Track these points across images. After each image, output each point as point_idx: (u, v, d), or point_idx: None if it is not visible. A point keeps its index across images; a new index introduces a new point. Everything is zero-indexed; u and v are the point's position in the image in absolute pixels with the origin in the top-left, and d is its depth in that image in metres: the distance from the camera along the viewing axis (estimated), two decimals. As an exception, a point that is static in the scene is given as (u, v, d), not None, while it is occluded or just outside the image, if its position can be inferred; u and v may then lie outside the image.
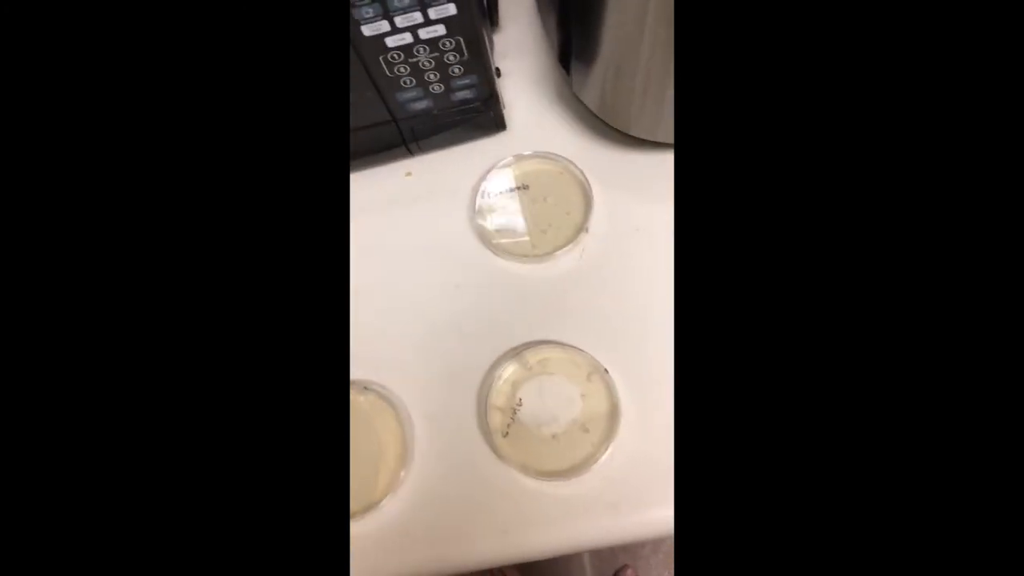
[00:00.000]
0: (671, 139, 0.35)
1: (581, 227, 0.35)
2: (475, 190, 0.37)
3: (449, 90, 0.32)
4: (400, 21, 0.26)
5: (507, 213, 0.36)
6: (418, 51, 0.29)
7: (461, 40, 0.29)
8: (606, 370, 0.31)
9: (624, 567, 0.93)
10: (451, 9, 0.26)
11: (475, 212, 0.36)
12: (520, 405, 0.31)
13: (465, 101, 0.33)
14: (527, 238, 0.35)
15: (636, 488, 0.29)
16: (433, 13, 0.26)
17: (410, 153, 0.37)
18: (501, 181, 0.37)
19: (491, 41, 0.36)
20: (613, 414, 0.30)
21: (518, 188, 0.37)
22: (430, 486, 0.31)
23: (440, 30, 0.27)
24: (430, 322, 0.34)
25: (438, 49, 0.29)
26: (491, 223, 0.36)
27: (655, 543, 0.99)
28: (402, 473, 0.30)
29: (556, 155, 0.37)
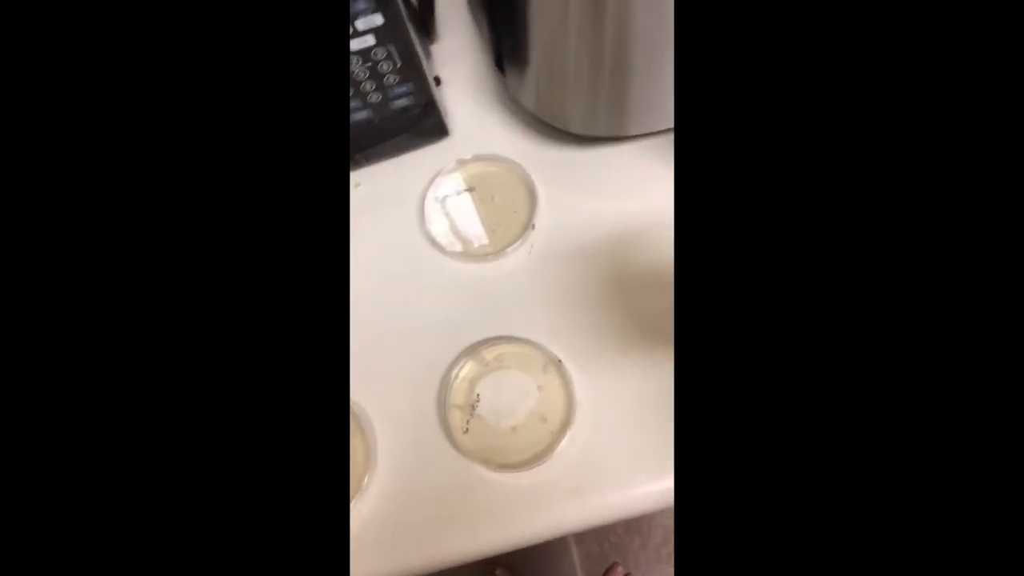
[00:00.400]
0: (608, 132, 0.36)
1: (528, 224, 0.36)
2: (424, 195, 0.37)
3: (387, 99, 0.33)
4: (330, 33, 0.27)
5: (457, 215, 0.37)
6: (351, 62, 0.29)
7: (393, 49, 0.29)
8: (560, 360, 0.32)
9: (614, 565, 0.94)
10: (378, 19, 0.27)
11: (425, 217, 0.37)
12: (478, 401, 0.32)
13: (405, 109, 0.34)
14: (478, 238, 0.36)
15: (595, 472, 0.30)
16: (360, 24, 0.27)
17: (356, 164, 0.38)
18: (449, 185, 0.38)
19: (427, 50, 0.37)
20: (569, 402, 0.31)
21: (466, 191, 0.38)
22: (395, 488, 0.31)
23: (370, 40, 0.28)
24: (387, 327, 0.34)
25: (370, 59, 0.29)
26: (442, 226, 0.37)
27: (643, 539, 1.00)
28: (366, 478, 0.31)
29: (500, 156, 0.38)
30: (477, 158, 0.38)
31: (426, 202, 0.37)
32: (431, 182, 0.38)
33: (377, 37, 0.28)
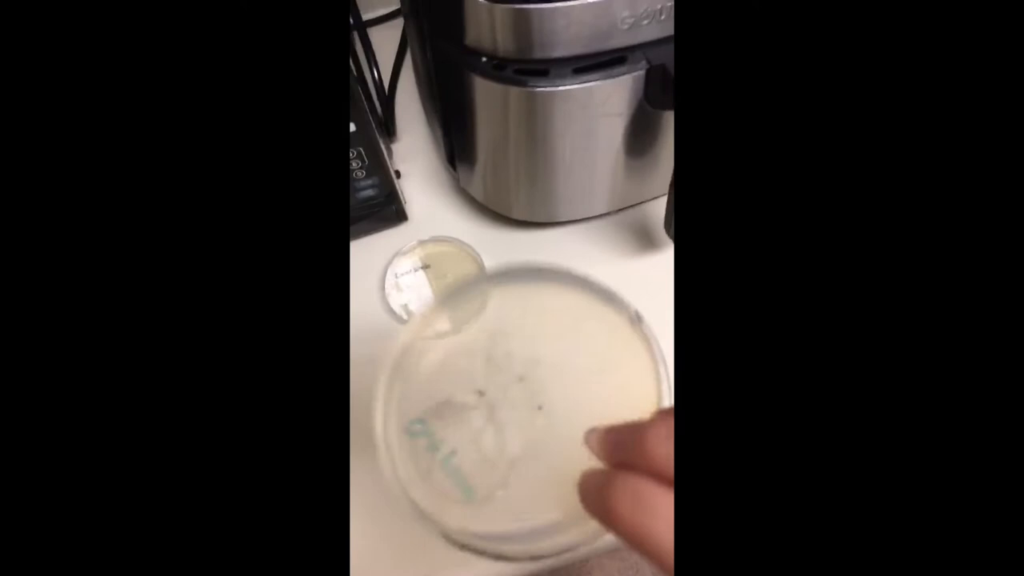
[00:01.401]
0: (544, 219, 0.41)
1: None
2: (384, 272, 0.41)
3: (355, 190, 0.37)
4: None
5: (414, 290, 0.40)
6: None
7: (362, 150, 0.34)
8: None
9: None
10: (352, 127, 0.31)
11: (385, 292, 0.40)
12: (435, 458, 0.33)
13: (370, 198, 0.38)
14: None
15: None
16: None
17: (322, 244, 0.41)
18: (406, 263, 0.41)
19: (389, 149, 0.41)
20: (518, 455, 0.33)
21: (422, 268, 0.41)
22: (356, 545, 0.31)
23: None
24: (351, 393, 0.36)
25: (342, 158, 0.34)
26: (400, 299, 0.40)
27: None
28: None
29: (452, 238, 0.42)
30: (432, 240, 0.42)
31: (386, 278, 0.40)
32: (391, 261, 0.41)
33: (350, 141, 0.32)
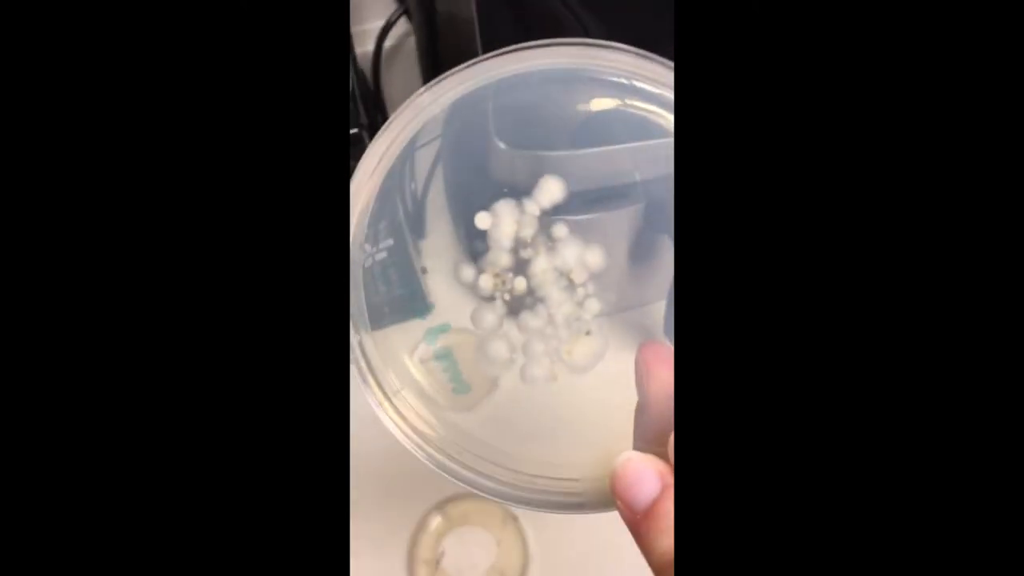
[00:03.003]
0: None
1: (495, 383, 0.40)
2: (407, 358, 0.41)
3: (388, 287, 0.38)
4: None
5: (437, 372, 0.41)
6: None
7: (397, 259, 0.35)
8: (515, 517, 0.34)
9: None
10: (391, 242, 0.33)
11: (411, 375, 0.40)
12: (443, 555, 0.32)
13: (400, 295, 0.39)
14: (452, 394, 0.40)
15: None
16: (380, 246, 0.33)
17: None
18: (428, 350, 0.42)
19: (418, 247, 0.43)
20: (525, 556, 0.33)
21: (444, 353, 0.42)
22: None
23: (384, 255, 0.34)
24: (362, 478, 0.35)
25: (380, 265, 0.35)
26: (424, 379, 0.40)
27: None
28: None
29: (471, 328, 0.43)
30: (453, 329, 0.43)
31: (410, 364, 0.41)
32: (415, 348, 0.42)
33: (389, 253, 0.34)
